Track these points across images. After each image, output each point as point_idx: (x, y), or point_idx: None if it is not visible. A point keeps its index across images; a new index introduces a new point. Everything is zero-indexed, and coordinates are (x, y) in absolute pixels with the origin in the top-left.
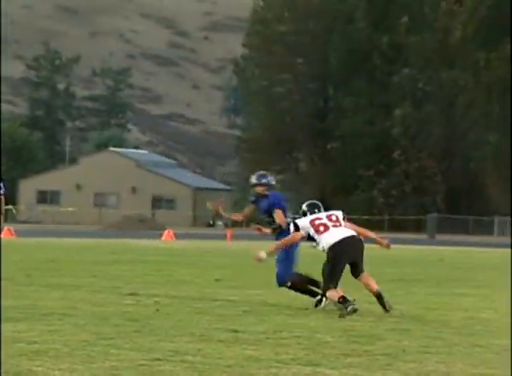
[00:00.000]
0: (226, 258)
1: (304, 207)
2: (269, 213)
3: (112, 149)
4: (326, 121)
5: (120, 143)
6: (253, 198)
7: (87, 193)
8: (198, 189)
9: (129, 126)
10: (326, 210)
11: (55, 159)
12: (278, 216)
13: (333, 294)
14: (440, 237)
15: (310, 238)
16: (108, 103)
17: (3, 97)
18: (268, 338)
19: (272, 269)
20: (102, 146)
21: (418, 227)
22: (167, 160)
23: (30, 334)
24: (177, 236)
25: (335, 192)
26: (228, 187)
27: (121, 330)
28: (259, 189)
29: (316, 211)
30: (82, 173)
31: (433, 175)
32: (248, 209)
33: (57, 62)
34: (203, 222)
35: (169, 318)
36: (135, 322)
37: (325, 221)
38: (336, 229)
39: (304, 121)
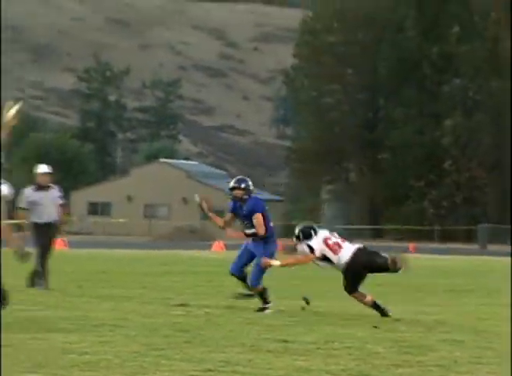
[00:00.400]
0: (275, 269)
1: (298, 230)
2: (250, 217)
3: (162, 160)
4: (375, 131)
5: (171, 154)
6: (231, 204)
7: (137, 204)
8: None
9: (180, 137)
10: (376, 220)
11: (106, 170)
12: (258, 221)
13: (366, 301)
14: (491, 248)
15: (323, 259)
16: (158, 115)
17: (53, 109)
18: (318, 349)
19: (322, 281)
20: (152, 157)
21: (469, 237)
22: (217, 170)
23: (81, 345)
24: (227, 247)
25: (385, 202)
26: (278, 198)
27: (172, 341)
28: (238, 193)
29: (312, 232)
30: (133, 184)
31: (483, 186)
32: (228, 216)
33: (108, 74)
34: None
35: (219, 329)
36: (185, 333)
37: (335, 239)
38: (347, 244)
39: (353, 131)
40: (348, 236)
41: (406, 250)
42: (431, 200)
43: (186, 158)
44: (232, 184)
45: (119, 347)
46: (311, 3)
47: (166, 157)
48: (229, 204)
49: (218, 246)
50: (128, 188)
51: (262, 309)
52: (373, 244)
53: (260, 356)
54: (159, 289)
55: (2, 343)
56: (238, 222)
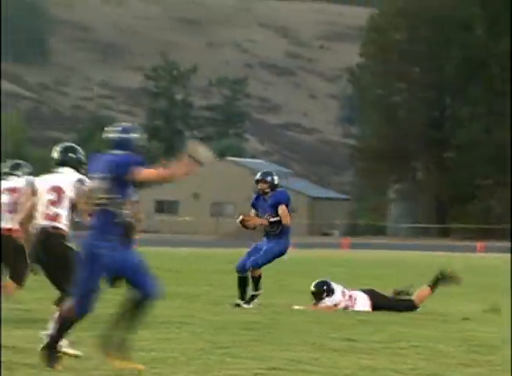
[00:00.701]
0: (342, 268)
1: (317, 289)
2: (274, 208)
3: (229, 158)
4: (442, 129)
5: (238, 153)
6: (254, 197)
7: (204, 202)
8: (314, 198)
9: (246, 135)
10: (442, 219)
11: None
12: (283, 212)
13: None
14: None
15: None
16: (225, 113)
17: (122, 107)
18: (384, 348)
19: (389, 281)
20: (219, 155)
21: None
22: (283, 169)
23: (148, 342)
24: (293, 246)
25: (451, 201)
26: (344, 196)
27: (238, 339)
28: (262, 186)
29: (325, 288)
30: (199, 183)
31: None
32: (253, 213)
33: (175, 72)
34: (320, 231)
35: (286, 327)
36: (251, 331)
37: (347, 291)
38: (359, 293)
39: (420, 130)
40: (415, 235)
41: (474, 249)
42: (499, 198)
43: (253, 157)
44: (257, 177)
45: (185, 344)
46: (378, 1)
47: (232, 156)
48: (253, 197)
49: None
50: (195, 186)
51: (252, 298)
52: (440, 243)
53: (326, 354)
54: (225, 287)
55: (70, 340)
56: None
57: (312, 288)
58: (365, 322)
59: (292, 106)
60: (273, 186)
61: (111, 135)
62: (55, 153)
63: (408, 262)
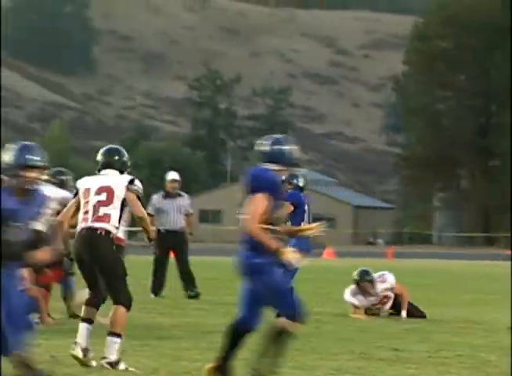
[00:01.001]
0: None
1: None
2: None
3: None
4: (488, 137)
5: None
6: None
7: None
8: (358, 207)
9: None
10: (487, 228)
11: (216, 178)
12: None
13: None
14: None
15: None
16: (269, 122)
17: (166, 117)
18: (430, 357)
19: (434, 289)
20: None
21: None
22: (327, 178)
23: (192, 352)
24: (337, 255)
25: (497, 210)
26: (389, 205)
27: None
28: (287, 187)
29: (367, 277)
30: (243, 192)
31: None
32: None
33: (218, 82)
34: (364, 240)
35: (330, 336)
36: (296, 340)
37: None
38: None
39: (465, 137)
40: (460, 243)
41: None
42: None
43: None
44: (283, 178)
45: None
46: (422, 9)
47: None
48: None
49: (328, 253)
50: (239, 195)
51: None
52: (485, 252)
53: (371, 363)
54: None
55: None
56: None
57: (356, 276)
58: (412, 331)
59: (335, 115)
60: (298, 189)
61: (262, 148)
62: (100, 156)
63: (453, 271)
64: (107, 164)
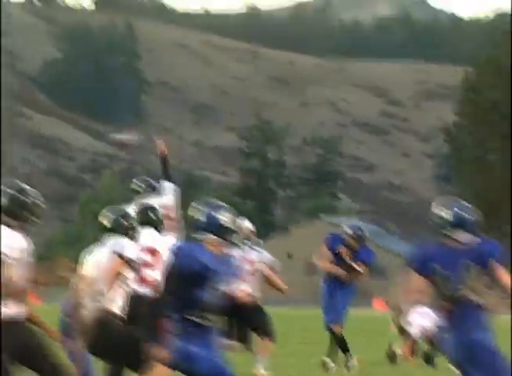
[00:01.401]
0: None
1: None
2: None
3: (323, 217)
4: None
5: (331, 212)
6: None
7: (298, 261)
8: None
9: (339, 194)
10: None
11: (266, 228)
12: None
13: None
14: None
15: None
16: (318, 172)
17: (217, 167)
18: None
19: None
20: (312, 215)
21: None
22: (378, 228)
23: None
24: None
25: None
26: None
27: None
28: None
29: None
30: (293, 242)
31: None
32: None
33: (268, 132)
34: None
35: None
36: None
37: None
38: None
39: None
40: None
41: None
42: None
43: (347, 216)
44: (349, 231)
45: None
46: (473, 59)
47: (326, 215)
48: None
49: (378, 303)
50: (289, 246)
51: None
52: None
53: None
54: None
55: None
56: None
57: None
58: None
59: (386, 165)
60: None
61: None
62: (134, 213)
63: None
64: (144, 222)
